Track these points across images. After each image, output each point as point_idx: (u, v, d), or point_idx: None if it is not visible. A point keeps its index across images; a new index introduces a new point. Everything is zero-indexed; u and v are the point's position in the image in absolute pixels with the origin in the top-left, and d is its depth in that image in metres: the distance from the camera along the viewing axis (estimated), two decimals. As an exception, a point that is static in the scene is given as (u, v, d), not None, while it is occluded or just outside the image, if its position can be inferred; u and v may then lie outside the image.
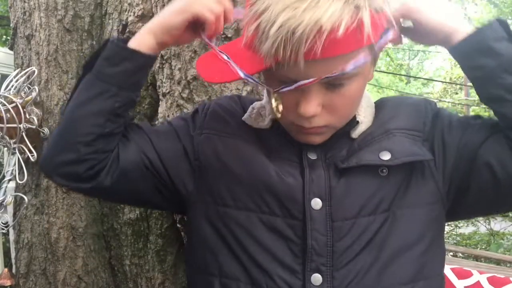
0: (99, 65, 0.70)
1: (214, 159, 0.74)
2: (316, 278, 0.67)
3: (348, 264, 0.67)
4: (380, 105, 0.78)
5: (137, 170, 0.74)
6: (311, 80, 0.62)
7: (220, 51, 0.68)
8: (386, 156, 0.69)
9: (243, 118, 0.78)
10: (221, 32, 0.75)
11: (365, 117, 0.75)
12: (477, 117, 0.74)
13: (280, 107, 0.70)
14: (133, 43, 0.70)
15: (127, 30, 1.19)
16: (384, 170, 0.69)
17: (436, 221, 0.73)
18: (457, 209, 0.74)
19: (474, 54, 0.67)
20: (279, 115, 0.68)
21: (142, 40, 0.70)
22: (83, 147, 0.69)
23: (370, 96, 0.80)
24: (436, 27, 0.69)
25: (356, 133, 0.74)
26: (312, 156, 0.72)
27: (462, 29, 0.68)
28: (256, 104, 0.79)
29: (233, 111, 0.79)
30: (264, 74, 0.71)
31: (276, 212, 0.70)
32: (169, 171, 0.76)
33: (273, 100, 0.71)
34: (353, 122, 0.74)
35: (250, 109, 0.79)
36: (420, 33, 0.71)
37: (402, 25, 0.72)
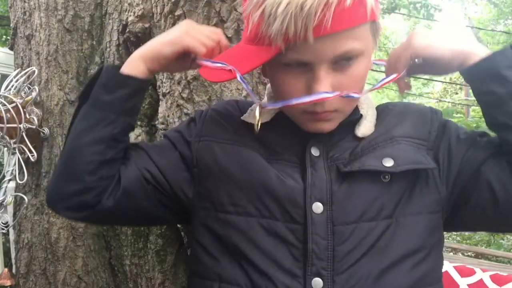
0: (96, 93, 0.72)
1: (214, 166, 0.74)
2: (317, 282, 0.67)
3: (349, 268, 0.67)
4: (384, 110, 0.78)
5: (139, 187, 0.75)
6: (310, 96, 0.63)
7: (214, 62, 0.69)
8: (389, 162, 0.69)
9: (242, 117, 0.78)
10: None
11: (367, 114, 0.75)
12: (484, 134, 0.74)
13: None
14: (126, 69, 0.73)
15: (127, 30, 1.19)
16: (387, 177, 0.69)
17: (438, 229, 0.73)
18: (454, 220, 0.74)
19: (484, 79, 0.67)
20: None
21: (134, 66, 0.73)
22: (87, 176, 0.71)
23: (371, 97, 0.79)
24: (450, 58, 0.67)
25: (360, 131, 0.73)
26: (315, 153, 0.72)
27: (476, 51, 0.67)
28: (255, 106, 0.79)
29: (231, 116, 0.80)
30: (268, 66, 0.71)
31: (277, 216, 0.70)
32: (169, 180, 0.76)
33: (257, 113, 0.71)
34: (357, 113, 0.74)
35: (248, 110, 0.79)
36: (434, 67, 0.70)
37: (412, 63, 0.70)
